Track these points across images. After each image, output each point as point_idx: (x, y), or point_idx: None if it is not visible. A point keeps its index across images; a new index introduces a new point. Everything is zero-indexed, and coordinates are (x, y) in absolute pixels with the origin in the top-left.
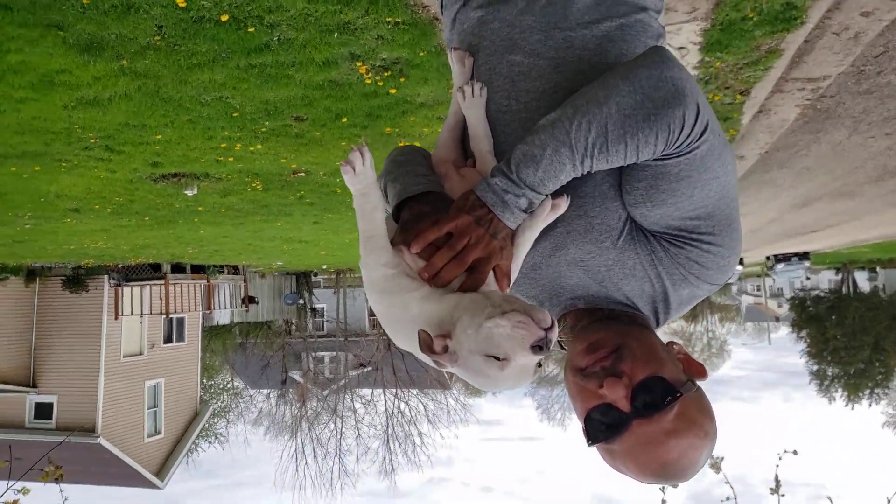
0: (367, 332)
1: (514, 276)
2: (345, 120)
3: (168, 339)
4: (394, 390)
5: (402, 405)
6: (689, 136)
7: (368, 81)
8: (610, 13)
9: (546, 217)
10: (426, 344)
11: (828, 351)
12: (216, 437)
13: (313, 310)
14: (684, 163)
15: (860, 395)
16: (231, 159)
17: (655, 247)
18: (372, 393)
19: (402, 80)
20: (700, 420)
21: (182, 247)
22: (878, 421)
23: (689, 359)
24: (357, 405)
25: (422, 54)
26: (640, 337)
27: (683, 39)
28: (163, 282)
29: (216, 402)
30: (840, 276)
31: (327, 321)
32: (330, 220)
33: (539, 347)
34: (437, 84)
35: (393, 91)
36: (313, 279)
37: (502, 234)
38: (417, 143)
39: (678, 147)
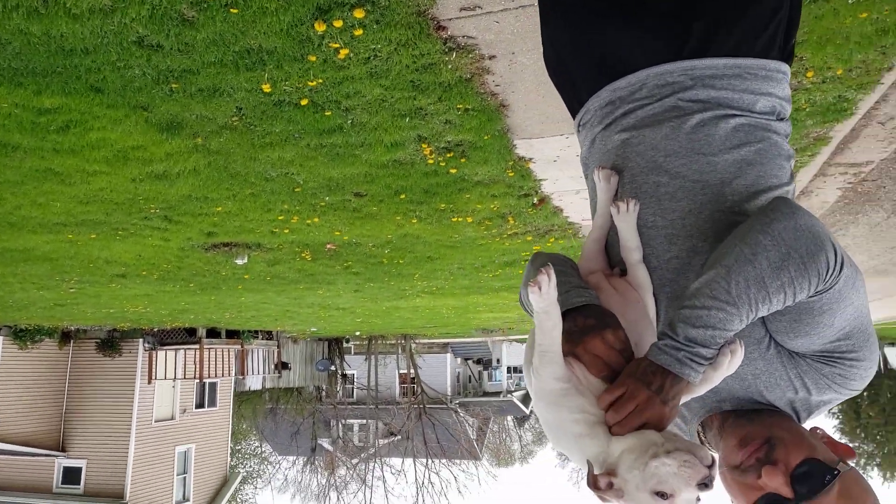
0: (397, 399)
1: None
2: (403, 196)
3: (200, 404)
4: (424, 460)
5: (433, 475)
6: (831, 274)
7: (431, 161)
8: (748, 139)
9: (727, 368)
10: (593, 481)
11: (861, 428)
12: None
13: (344, 376)
14: (825, 298)
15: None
16: (286, 231)
17: (800, 362)
18: (402, 462)
19: (462, 160)
20: (863, 497)
21: (220, 312)
22: None
23: (833, 441)
24: (387, 474)
25: (486, 138)
26: (787, 426)
27: None
28: (197, 346)
29: (244, 468)
30: None
31: (358, 388)
32: (371, 288)
33: (704, 484)
34: (496, 164)
35: (453, 171)
36: (345, 345)
37: (674, 400)
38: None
39: (825, 286)
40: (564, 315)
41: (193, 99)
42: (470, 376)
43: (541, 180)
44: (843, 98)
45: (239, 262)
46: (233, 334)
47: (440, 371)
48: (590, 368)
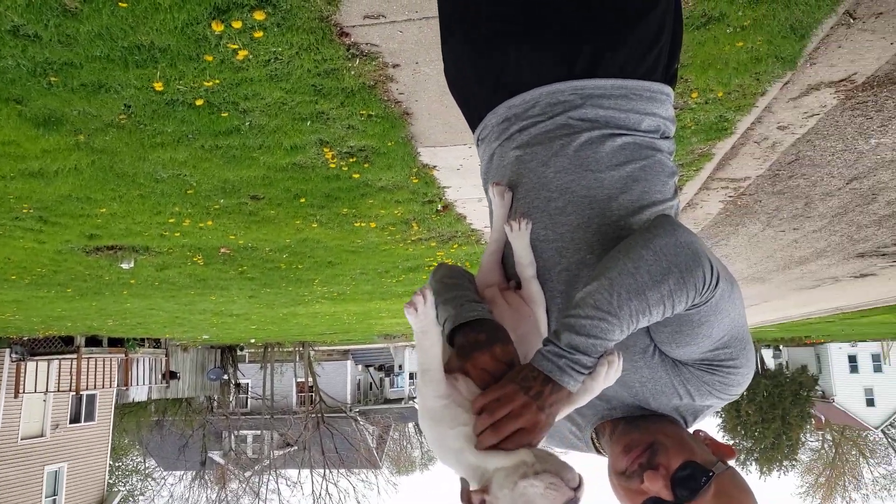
0: (294, 409)
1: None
2: (303, 200)
3: (76, 419)
4: (321, 471)
5: (330, 486)
6: (707, 288)
7: (333, 166)
8: (634, 156)
9: (605, 379)
10: (466, 498)
11: (741, 426)
12: None
13: (238, 385)
14: (703, 310)
15: (772, 467)
16: (177, 234)
17: (683, 370)
18: (298, 474)
19: (366, 165)
20: (738, 495)
21: (102, 319)
22: (787, 491)
23: (715, 442)
24: (282, 487)
25: (389, 144)
26: (668, 430)
27: None
28: (75, 356)
29: (124, 487)
30: None
31: (252, 398)
32: (267, 294)
33: None
34: (400, 171)
35: (356, 176)
36: (239, 353)
37: (551, 408)
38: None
39: (701, 299)
40: (457, 329)
41: (75, 94)
42: (371, 383)
43: (444, 188)
44: (724, 118)
45: (124, 266)
46: (116, 343)
47: (340, 378)
48: (477, 383)
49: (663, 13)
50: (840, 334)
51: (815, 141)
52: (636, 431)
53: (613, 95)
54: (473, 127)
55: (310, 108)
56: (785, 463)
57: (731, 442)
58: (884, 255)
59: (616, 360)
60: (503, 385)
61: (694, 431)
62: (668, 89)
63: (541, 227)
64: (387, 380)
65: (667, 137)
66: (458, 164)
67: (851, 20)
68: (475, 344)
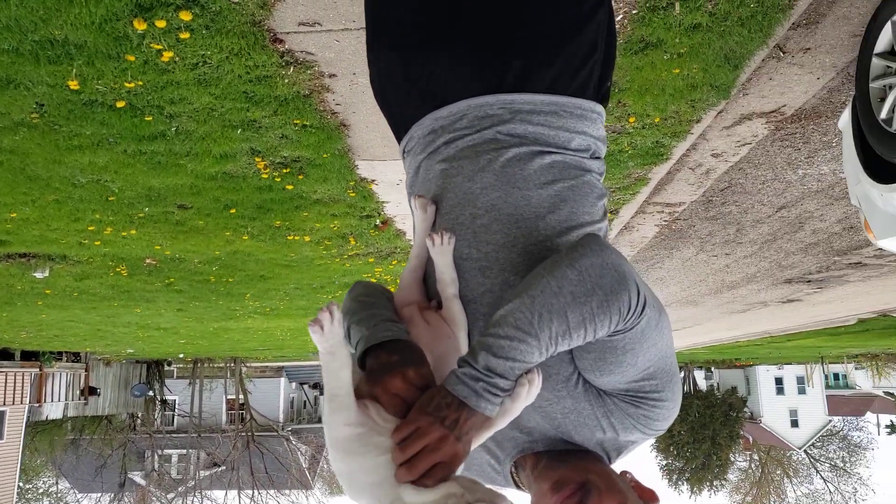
0: (223, 427)
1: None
2: (233, 211)
3: None
4: (250, 491)
5: None
6: (632, 314)
7: (265, 176)
8: (562, 176)
9: (525, 399)
10: None
11: (674, 445)
12: None
13: (164, 402)
14: (628, 337)
15: (702, 486)
16: (98, 243)
17: (607, 401)
18: (226, 495)
19: (300, 177)
20: None
21: (14, 331)
22: None
23: (640, 486)
24: None
25: (325, 156)
26: (600, 471)
27: None
28: None
29: None
30: (682, 375)
31: (179, 415)
32: (196, 307)
33: None
34: (337, 184)
35: (289, 187)
36: (167, 368)
37: (467, 436)
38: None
39: (626, 325)
40: (369, 351)
41: None
42: (305, 401)
43: (383, 202)
44: (660, 143)
45: (38, 275)
46: (30, 356)
47: (273, 396)
48: (388, 408)
49: (596, 30)
50: (768, 357)
51: (747, 169)
52: (564, 468)
53: (543, 112)
54: (399, 138)
55: (241, 115)
56: (715, 483)
57: (665, 462)
58: (809, 281)
59: (536, 379)
60: (416, 416)
61: (621, 472)
62: (599, 108)
63: (465, 245)
64: (322, 398)
65: (597, 157)
66: (397, 178)
67: (782, 54)
68: (387, 366)
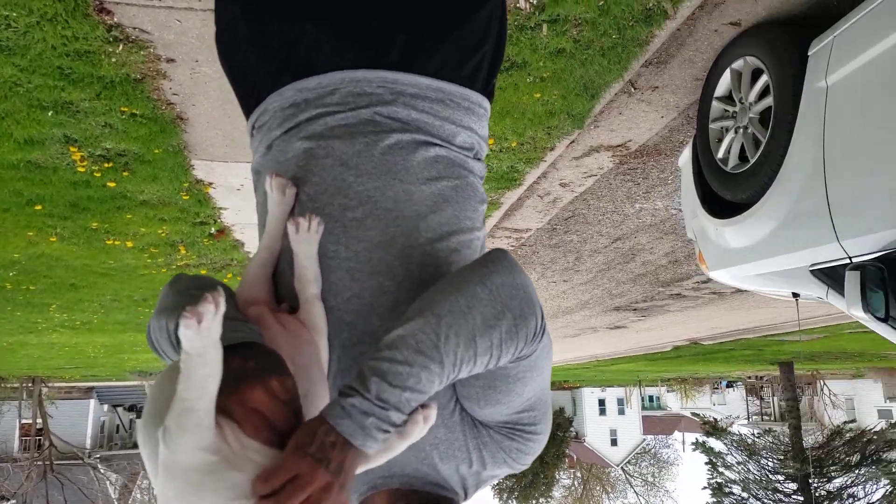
0: (14, 455)
1: None
2: (39, 207)
3: None
4: None
5: None
6: (535, 340)
7: (82, 169)
8: (447, 173)
9: (415, 437)
10: None
11: None
12: None
13: None
14: (523, 365)
15: (530, 503)
16: None
17: (482, 433)
18: None
19: (125, 174)
20: None
21: None
22: None
23: None
24: None
25: (156, 151)
26: None
27: None
28: None
29: None
30: None
31: None
32: None
33: None
34: (168, 184)
35: (111, 184)
36: None
37: (349, 480)
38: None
39: (525, 352)
40: None
41: None
42: (119, 425)
43: (221, 209)
44: (515, 169)
45: None
46: None
47: (80, 420)
48: (244, 426)
49: (490, 18)
50: (593, 379)
51: (590, 200)
52: None
53: (428, 98)
54: (249, 111)
55: (53, 94)
56: (541, 500)
57: (497, 482)
58: (635, 309)
59: (432, 414)
60: (294, 459)
61: None
62: (487, 104)
63: (331, 240)
64: (138, 421)
65: (479, 159)
66: (238, 183)
67: (633, 89)
68: (242, 374)
